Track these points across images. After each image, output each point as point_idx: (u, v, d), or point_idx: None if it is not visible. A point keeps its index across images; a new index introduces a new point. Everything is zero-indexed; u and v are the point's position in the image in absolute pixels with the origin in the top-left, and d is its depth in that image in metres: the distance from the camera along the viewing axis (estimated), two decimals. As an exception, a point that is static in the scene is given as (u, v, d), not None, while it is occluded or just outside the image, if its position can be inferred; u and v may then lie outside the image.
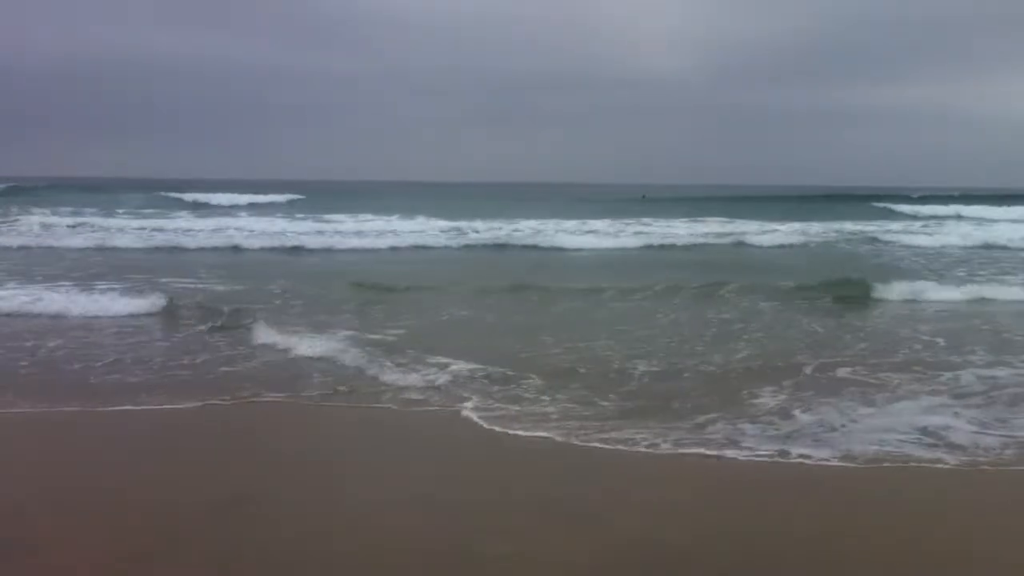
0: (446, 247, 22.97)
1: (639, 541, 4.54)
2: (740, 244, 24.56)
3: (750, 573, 4.24)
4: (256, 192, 44.22)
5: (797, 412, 6.71)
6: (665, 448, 5.89)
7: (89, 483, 5.37)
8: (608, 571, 4.23)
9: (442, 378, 7.75)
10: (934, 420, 6.48)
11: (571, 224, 27.99)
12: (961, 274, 16.75)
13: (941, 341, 9.72)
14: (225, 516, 4.81)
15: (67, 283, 13.36)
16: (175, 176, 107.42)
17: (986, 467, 5.57)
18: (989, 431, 6.26)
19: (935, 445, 5.94)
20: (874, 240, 25.98)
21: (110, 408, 6.93)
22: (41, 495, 5.14)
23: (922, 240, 26.23)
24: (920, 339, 9.92)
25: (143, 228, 25.56)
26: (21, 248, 20.40)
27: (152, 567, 4.20)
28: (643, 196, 55.13)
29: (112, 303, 11.37)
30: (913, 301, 12.86)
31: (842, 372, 8.13)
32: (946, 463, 5.60)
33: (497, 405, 6.97)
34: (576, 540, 4.54)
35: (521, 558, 4.33)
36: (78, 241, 21.58)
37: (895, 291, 13.30)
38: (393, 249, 22.43)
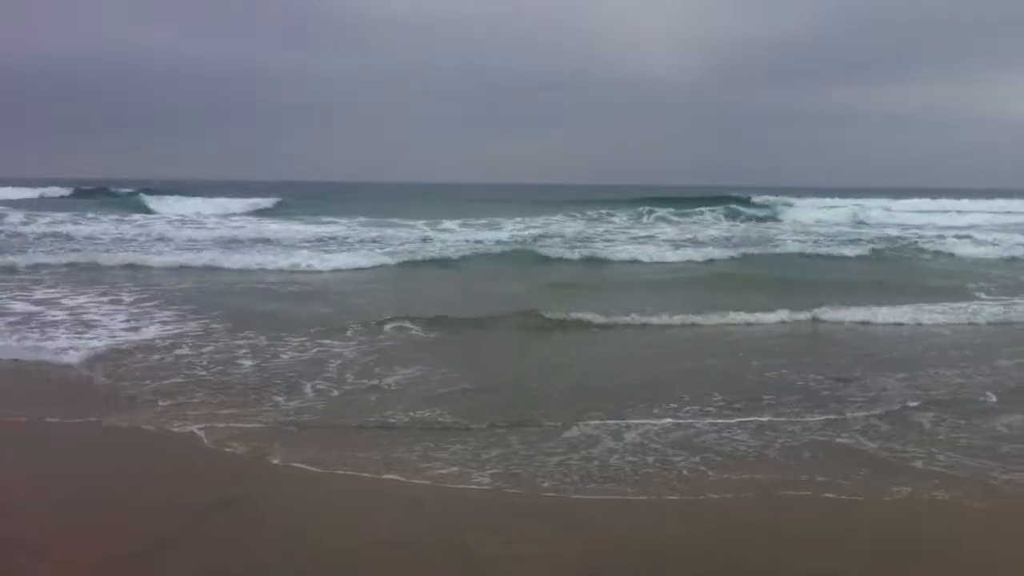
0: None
1: (631, 540, 4.65)
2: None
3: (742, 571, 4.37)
4: (255, 194, 44.63)
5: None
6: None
7: (85, 484, 5.45)
8: (601, 570, 4.32)
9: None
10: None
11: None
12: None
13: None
14: (219, 517, 4.88)
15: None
16: (174, 177, 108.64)
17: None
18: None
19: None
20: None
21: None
22: (39, 496, 5.23)
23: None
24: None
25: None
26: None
27: (149, 567, 4.29)
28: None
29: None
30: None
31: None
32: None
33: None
34: (569, 539, 4.63)
35: (517, 558, 4.40)
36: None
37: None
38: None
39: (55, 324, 10.39)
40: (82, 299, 12.18)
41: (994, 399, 7.52)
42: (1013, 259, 21.66)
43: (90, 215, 28.91)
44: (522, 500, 5.19)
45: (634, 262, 19.89)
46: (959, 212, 41.32)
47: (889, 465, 5.82)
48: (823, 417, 6.91)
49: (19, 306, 11.61)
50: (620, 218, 34.15)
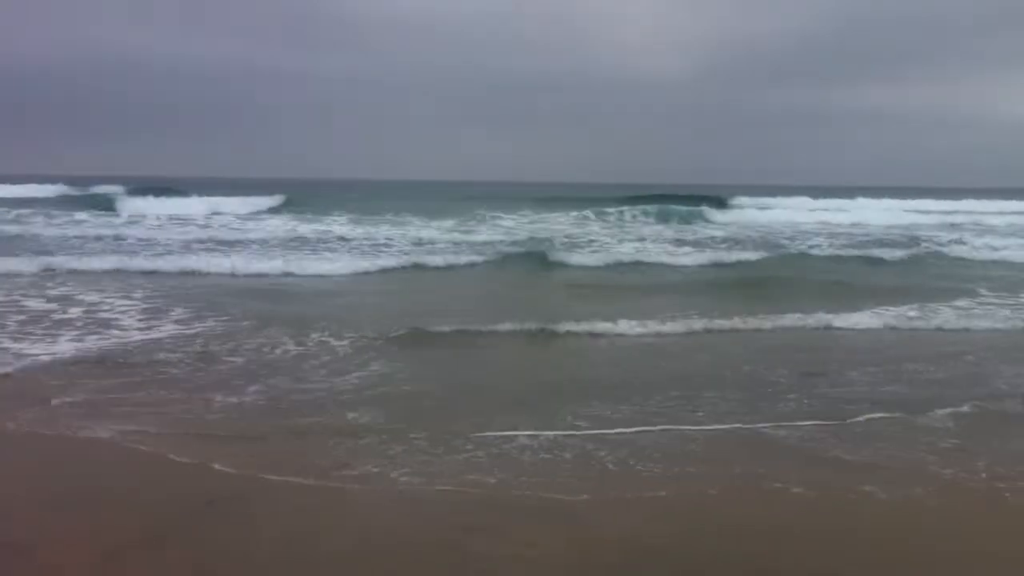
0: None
1: (623, 539, 4.66)
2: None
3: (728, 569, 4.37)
4: (250, 193, 44.15)
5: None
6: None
7: (71, 483, 5.46)
8: (592, 569, 4.33)
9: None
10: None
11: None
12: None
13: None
14: (206, 515, 4.89)
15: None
16: (176, 175, 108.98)
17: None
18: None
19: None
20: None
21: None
22: (27, 497, 5.26)
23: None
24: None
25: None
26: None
27: (130, 566, 4.29)
28: None
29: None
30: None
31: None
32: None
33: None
34: (561, 538, 4.65)
35: (508, 557, 4.40)
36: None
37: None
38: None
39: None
40: (38, 305, 11.82)
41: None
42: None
43: (78, 215, 28.48)
44: (514, 499, 5.20)
45: (636, 264, 19.45)
46: (948, 212, 40.86)
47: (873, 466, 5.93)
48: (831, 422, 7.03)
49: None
50: (608, 214, 33.77)
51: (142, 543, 4.55)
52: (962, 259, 21.60)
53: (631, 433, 6.56)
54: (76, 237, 22.36)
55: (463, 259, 19.29)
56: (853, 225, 33.53)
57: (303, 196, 41.60)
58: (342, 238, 23.65)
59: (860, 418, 7.07)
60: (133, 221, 27.52)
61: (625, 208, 35.69)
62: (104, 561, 4.35)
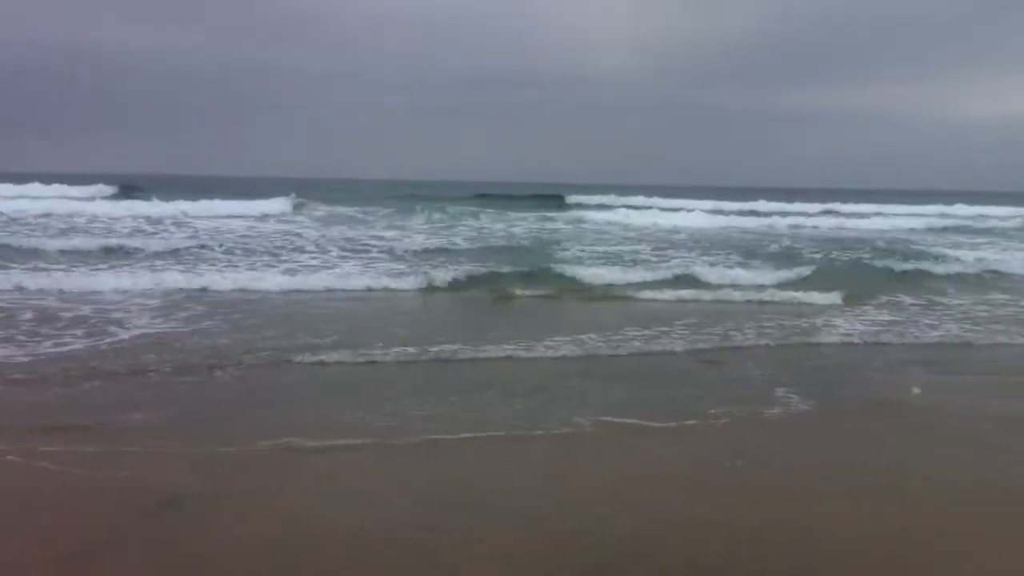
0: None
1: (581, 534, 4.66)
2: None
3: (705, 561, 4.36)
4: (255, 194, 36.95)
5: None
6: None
7: (34, 482, 5.29)
8: (552, 563, 4.34)
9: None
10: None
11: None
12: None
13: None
14: (166, 515, 4.79)
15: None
16: (149, 172, 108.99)
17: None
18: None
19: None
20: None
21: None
22: None
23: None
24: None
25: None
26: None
27: (93, 566, 4.21)
28: None
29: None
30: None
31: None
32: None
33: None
34: (519, 534, 4.65)
35: (474, 556, 4.40)
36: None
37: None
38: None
39: None
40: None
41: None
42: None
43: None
44: (479, 500, 5.21)
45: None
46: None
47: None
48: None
49: None
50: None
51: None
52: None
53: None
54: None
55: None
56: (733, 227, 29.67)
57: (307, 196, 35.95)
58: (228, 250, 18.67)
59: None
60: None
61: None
62: None
